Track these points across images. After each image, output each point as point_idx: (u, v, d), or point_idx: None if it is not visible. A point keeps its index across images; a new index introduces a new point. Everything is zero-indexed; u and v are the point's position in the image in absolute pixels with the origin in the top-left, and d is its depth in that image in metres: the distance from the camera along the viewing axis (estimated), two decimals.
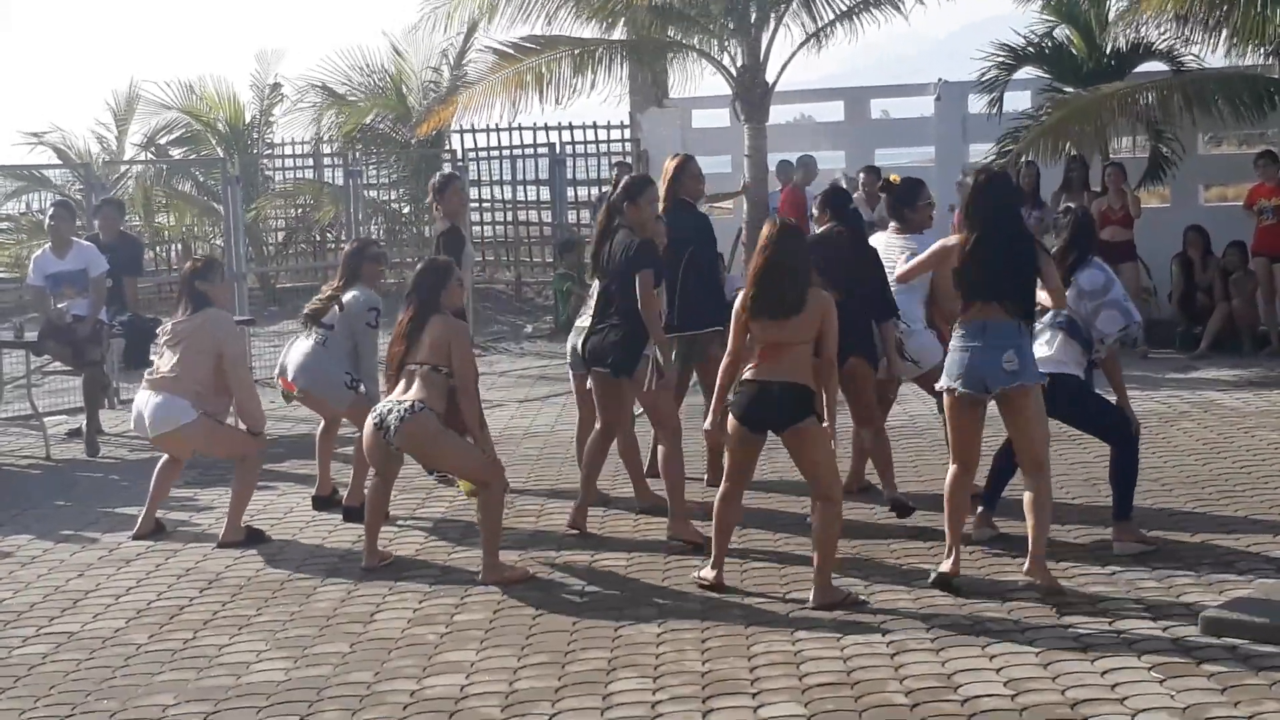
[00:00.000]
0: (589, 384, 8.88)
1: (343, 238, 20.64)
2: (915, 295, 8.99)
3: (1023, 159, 15.88)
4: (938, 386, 7.52)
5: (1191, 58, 16.91)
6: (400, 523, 9.01)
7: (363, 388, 9.16)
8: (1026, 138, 15.92)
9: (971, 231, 7.30)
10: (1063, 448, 10.26)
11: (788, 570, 7.61)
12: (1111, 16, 17.60)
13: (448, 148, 21.26)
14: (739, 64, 17.35)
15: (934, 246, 7.91)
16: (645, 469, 9.08)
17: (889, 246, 9.08)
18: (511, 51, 17.51)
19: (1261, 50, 15.66)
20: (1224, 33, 15.59)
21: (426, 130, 19.53)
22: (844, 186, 12.24)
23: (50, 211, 12.75)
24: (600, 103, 18.17)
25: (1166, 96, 15.70)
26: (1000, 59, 17.59)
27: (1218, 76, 15.98)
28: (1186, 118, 15.78)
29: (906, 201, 9.21)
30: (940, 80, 19.06)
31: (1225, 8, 15.15)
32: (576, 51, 17.20)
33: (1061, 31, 17.82)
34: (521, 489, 9.85)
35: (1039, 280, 7.36)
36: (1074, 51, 17.63)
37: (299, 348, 9.30)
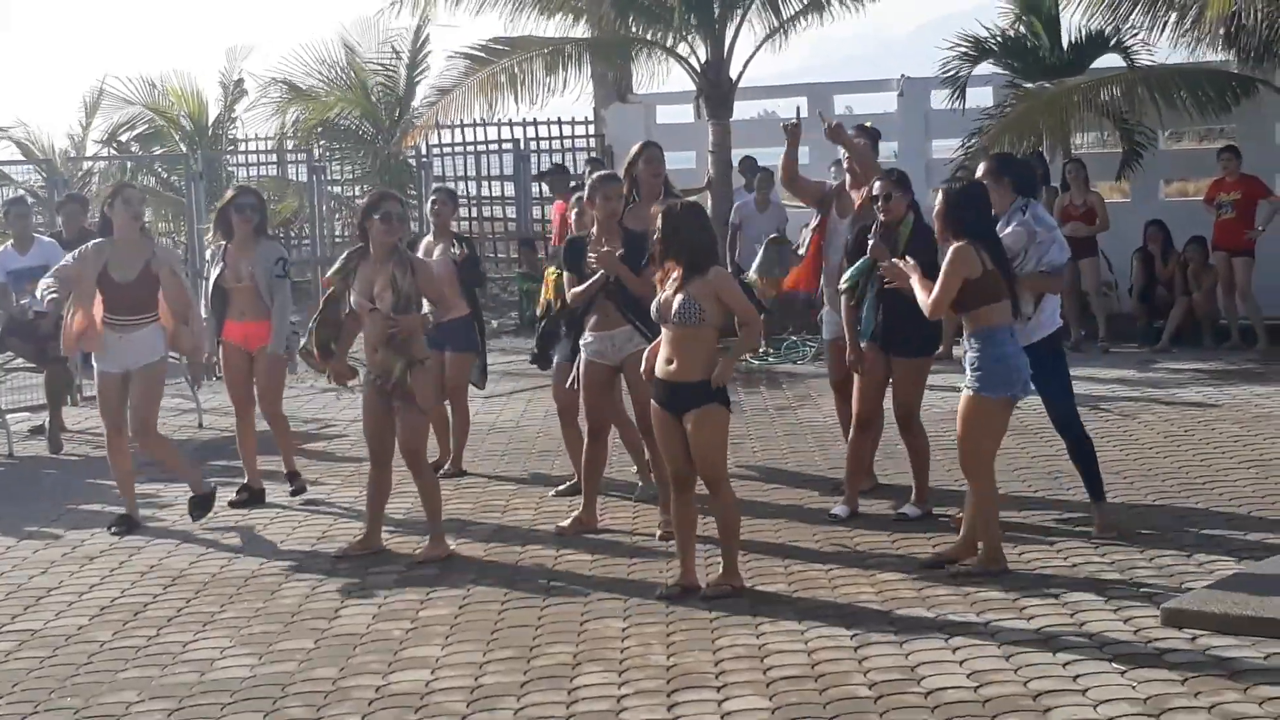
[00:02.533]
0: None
1: (305, 234, 20.58)
2: None
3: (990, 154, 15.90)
4: (995, 396, 7.35)
5: (1146, 51, 17.05)
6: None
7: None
8: (991, 131, 15.96)
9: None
10: (1024, 442, 10.35)
11: (753, 564, 7.62)
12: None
13: (411, 144, 21.21)
14: (703, 60, 17.39)
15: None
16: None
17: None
18: (482, 55, 17.50)
19: (1219, 45, 15.74)
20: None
21: (410, 143, 19.54)
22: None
23: (5, 210, 12.68)
24: (574, 100, 18.23)
25: (1130, 90, 15.76)
26: (963, 50, 17.64)
27: (1180, 71, 16.06)
28: (1151, 112, 15.86)
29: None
30: (903, 76, 19.11)
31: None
32: (548, 51, 17.22)
33: (1024, 24, 17.87)
34: (486, 483, 9.88)
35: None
36: (1034, 45, 17.68)
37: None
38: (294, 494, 9.66)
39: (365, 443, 8.44)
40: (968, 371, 7.34)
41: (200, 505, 9.05)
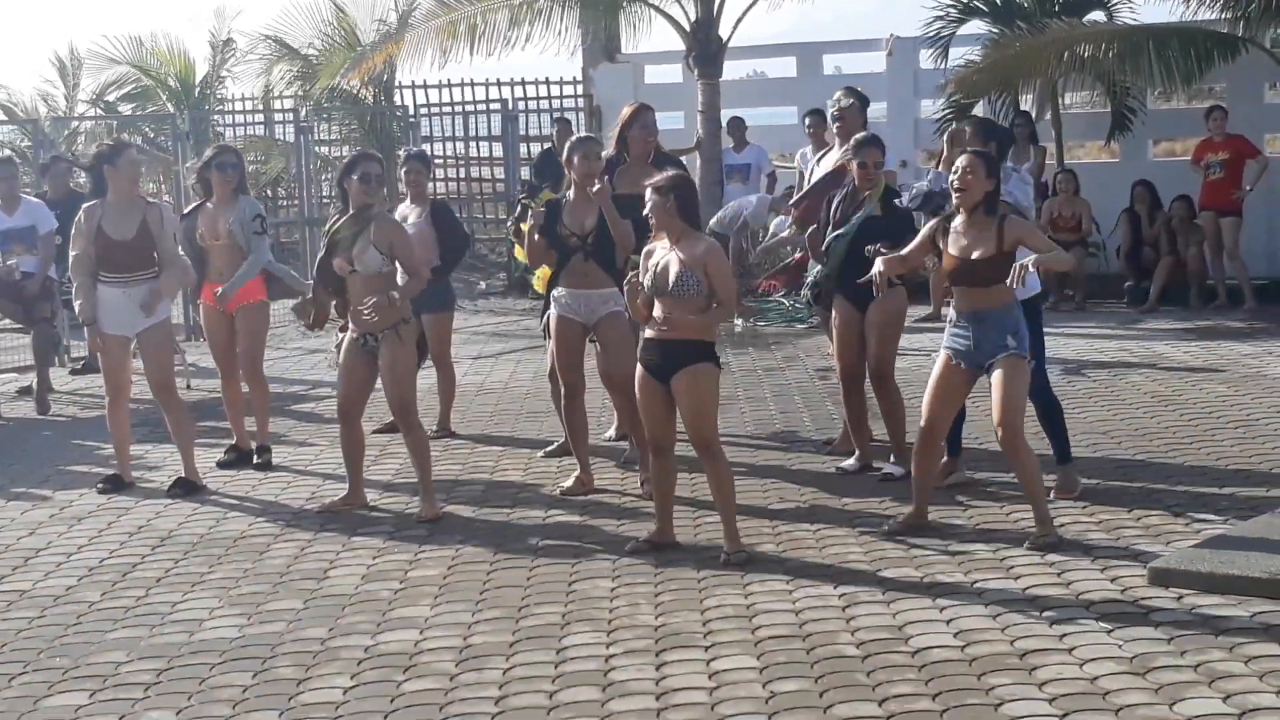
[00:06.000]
0: None
1: (294, 194, 20.51)
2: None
3: (974, 110, 15.84)
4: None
5: (1129, 9, 16.97)
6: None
7: None
8: (965, 76, 15.79)
9: None
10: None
11: (741, 524, 7.62)
12: None
13: (399, 103, 21.11)
14: (693, 19, 17.31)
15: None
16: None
17: None
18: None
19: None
20: None
21: (360, 76, 19.22)
22: None
23: None
24: (554, 56, 18.09)
25: (1103, 49, 15.60)
26: (948, 5, 17.55)
27: (1155, 31, 15.79)
28: (1136, 70, 15.74)
29: None
30: (892, 36, 19.03)
31: None
32: (516, 3, 16.97)
33: None
34: (474, 444, 9.88)
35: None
36: (1022, 2, 17.59)
37: None
38: (259, 467, 9.47)
39: (339, 400, 8.41)
40: (1010, 338, 7.20)
41: (184, 488, 8.90)
